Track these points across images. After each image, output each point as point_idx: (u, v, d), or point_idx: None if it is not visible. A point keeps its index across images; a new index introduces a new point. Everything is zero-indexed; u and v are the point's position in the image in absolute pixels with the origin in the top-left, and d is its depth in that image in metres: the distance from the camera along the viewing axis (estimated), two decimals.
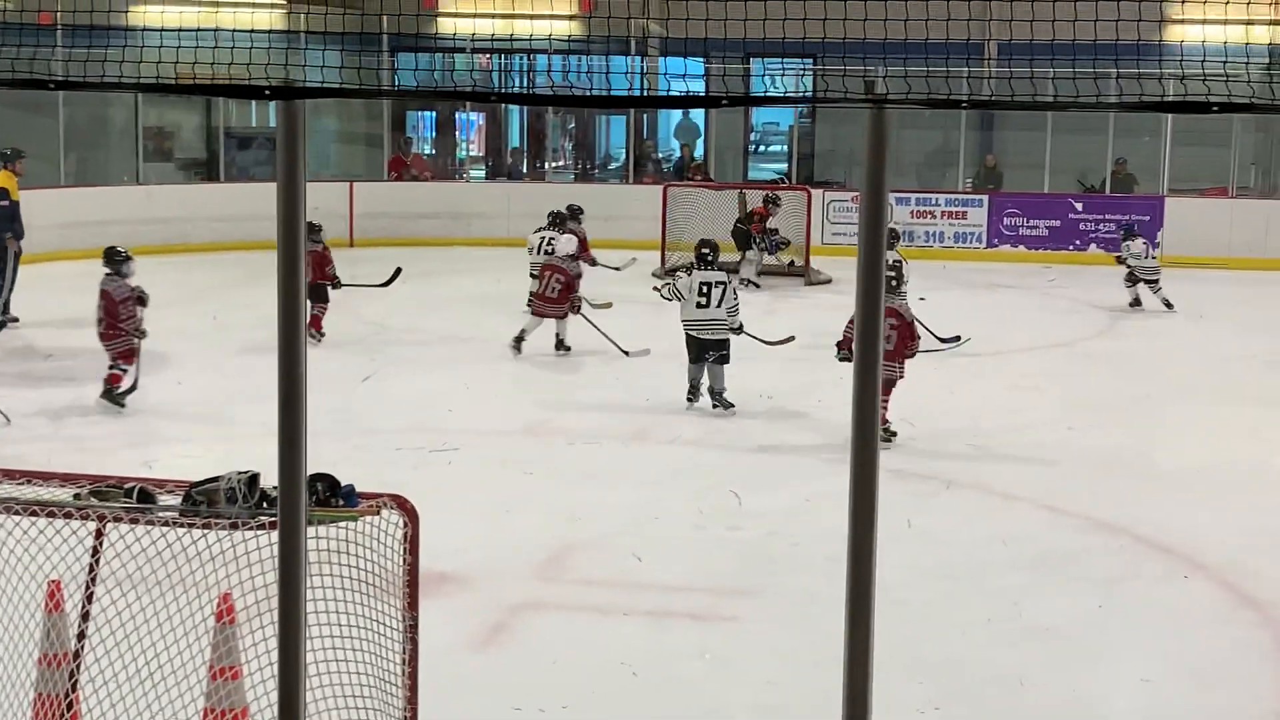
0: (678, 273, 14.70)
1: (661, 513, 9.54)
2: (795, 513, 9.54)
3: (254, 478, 4.76)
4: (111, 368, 11.99)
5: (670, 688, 6.97)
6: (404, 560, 4.91)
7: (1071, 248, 23.32)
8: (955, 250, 22.59)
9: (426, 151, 29.12)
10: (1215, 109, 3.48)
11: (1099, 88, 3.92)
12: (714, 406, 12.41)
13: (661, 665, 7.16)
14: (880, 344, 3.52)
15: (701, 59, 24.47)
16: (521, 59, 25.83)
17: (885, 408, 11.02)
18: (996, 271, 21.51)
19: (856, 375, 3.51)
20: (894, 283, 11.88)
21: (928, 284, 18.03)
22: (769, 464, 10.86)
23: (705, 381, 12.49)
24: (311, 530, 4.10)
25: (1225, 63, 3.98)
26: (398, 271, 14.80)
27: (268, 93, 3.57)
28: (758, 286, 19.28)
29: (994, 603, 7.99)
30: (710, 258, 13.14)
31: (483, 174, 28.10)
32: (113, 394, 11.98)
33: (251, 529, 4.71)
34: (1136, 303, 18.43)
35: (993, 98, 4.22)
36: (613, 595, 8.06)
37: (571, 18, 25.78)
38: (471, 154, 29.35)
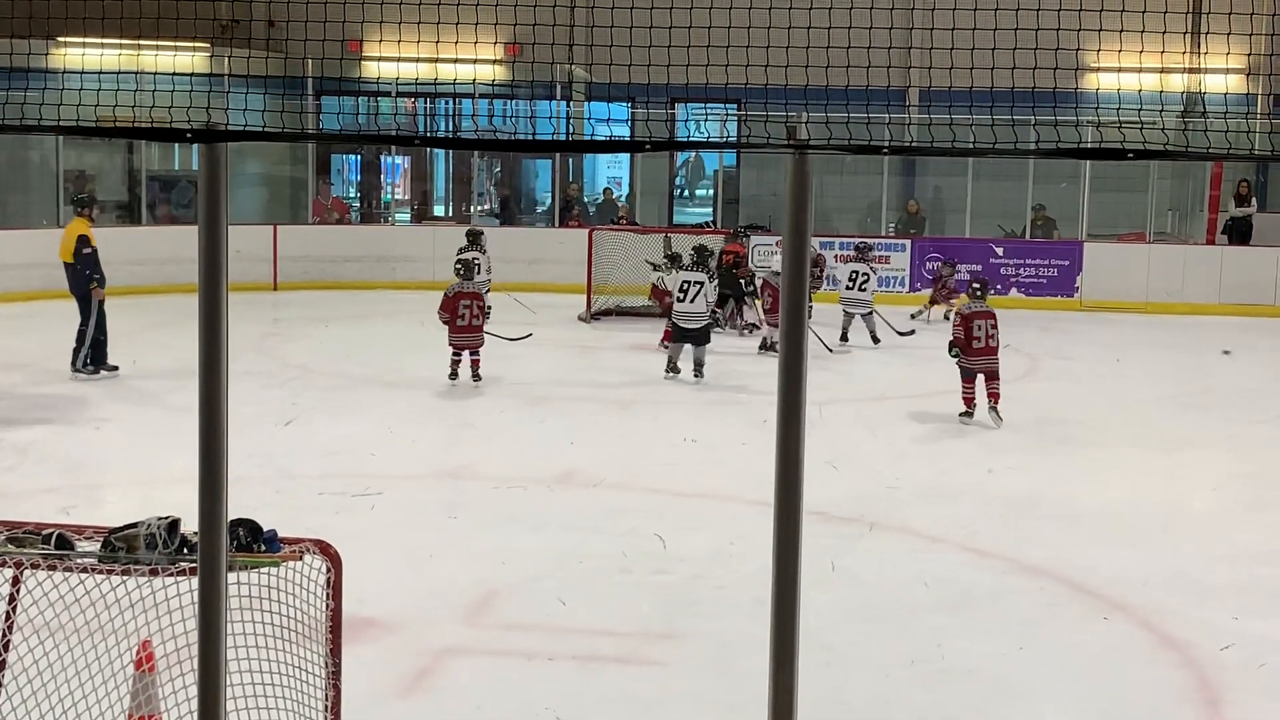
0: (670, 266, 16.89)
1: (586, 556, 9.52)
2: (720, 556, 9.55)
3: (174, 523, 4.71)
4: (474, 356, 14.94)
5: None
6: (327, 606, 4.86)
7: (992, 292, 23.54)
8: (878, 294, 22.80)
9: (350, 194, 29.06)
10: (1131, 156, 3.54)
11: (1018, 134, 3.98)
12: (695, 376, 15.44)
13: (587, 710, 7.13)
14: (804, 386, 3.54)
15: (627, 104, 24.70)
16: (447, 103, 25.84)
17: (998, 394, 13.58)
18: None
19: (780, 420, 3.53)
20: (979, 293, 13.87)
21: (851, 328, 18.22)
22: (693, 507, 10.86)
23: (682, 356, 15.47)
24: (233, 576, 4.06)
25: (1140, 110, 4.06)
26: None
27: (189, 136, 3.56)
28: (757, 328, 18.79)
29: (917, 644, 8.02)
30: (691, 260, 16.02)
31: (407, 217, 28.05)
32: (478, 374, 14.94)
33: (172, 575, 4.66)
34: (845, 338, 18.74)
35: (913, 143, 4.28)
36: (537, 640, 8.03)
37: (497, 62, 25.84)
38: (397, 197, 29.29)
